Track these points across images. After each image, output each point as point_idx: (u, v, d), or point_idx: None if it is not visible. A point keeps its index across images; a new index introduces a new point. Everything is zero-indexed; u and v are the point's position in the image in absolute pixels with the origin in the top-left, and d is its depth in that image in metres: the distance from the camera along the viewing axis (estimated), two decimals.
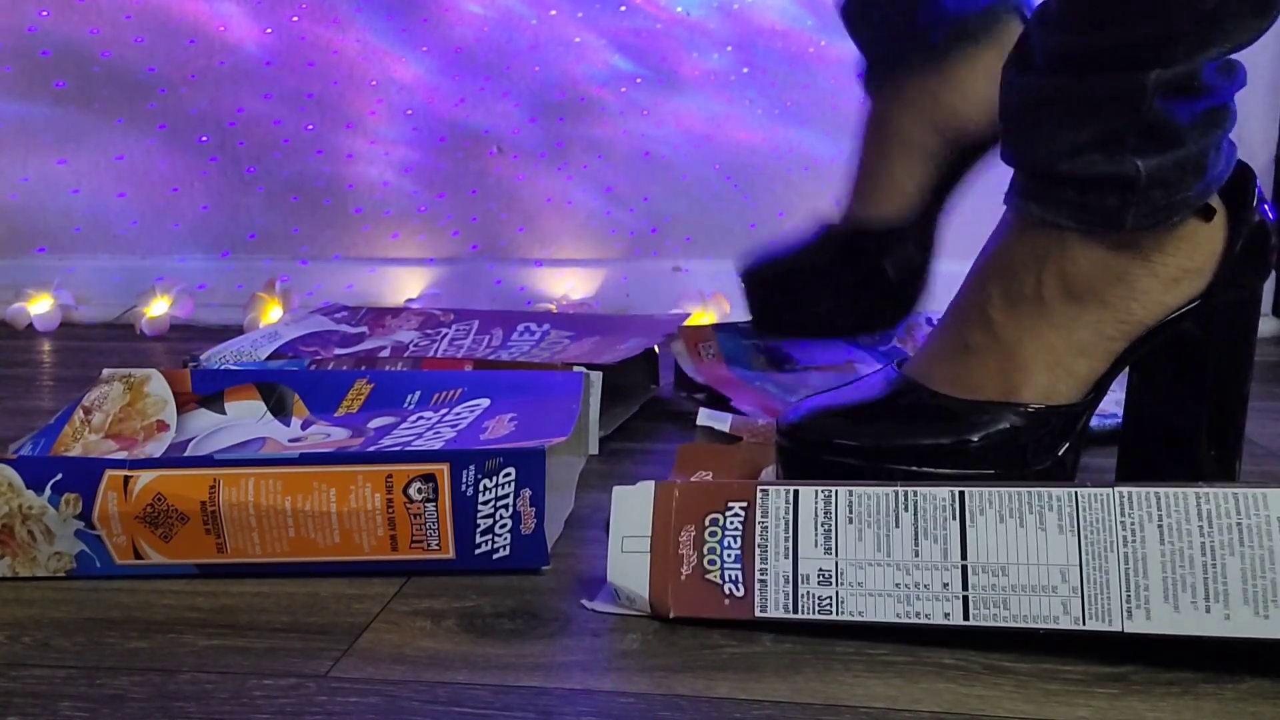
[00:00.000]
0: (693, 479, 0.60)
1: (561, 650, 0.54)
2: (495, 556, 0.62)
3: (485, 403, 0.74)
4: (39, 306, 1.41)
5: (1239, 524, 0.49)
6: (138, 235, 1.46)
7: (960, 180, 0.88)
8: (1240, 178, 0.68)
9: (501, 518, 0.62)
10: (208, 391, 0.77)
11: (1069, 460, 0.65)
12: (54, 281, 1.42)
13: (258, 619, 0.57)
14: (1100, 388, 0.66)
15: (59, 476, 0.62)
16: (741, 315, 1.32)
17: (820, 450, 0.64)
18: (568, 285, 1.39)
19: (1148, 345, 0.66)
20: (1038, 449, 0.64)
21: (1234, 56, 0.65)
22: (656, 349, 0.95)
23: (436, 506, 0.61)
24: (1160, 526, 0.50)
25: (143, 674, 0.52)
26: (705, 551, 0.55)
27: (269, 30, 1.40)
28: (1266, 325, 1.33)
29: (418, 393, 0.77)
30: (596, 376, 0.84)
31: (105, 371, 0.79)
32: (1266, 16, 0.62)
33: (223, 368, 0.89)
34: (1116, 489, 0.51)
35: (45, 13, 1.42)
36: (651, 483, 0.57)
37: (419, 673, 0.52)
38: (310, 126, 1.41)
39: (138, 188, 1.45)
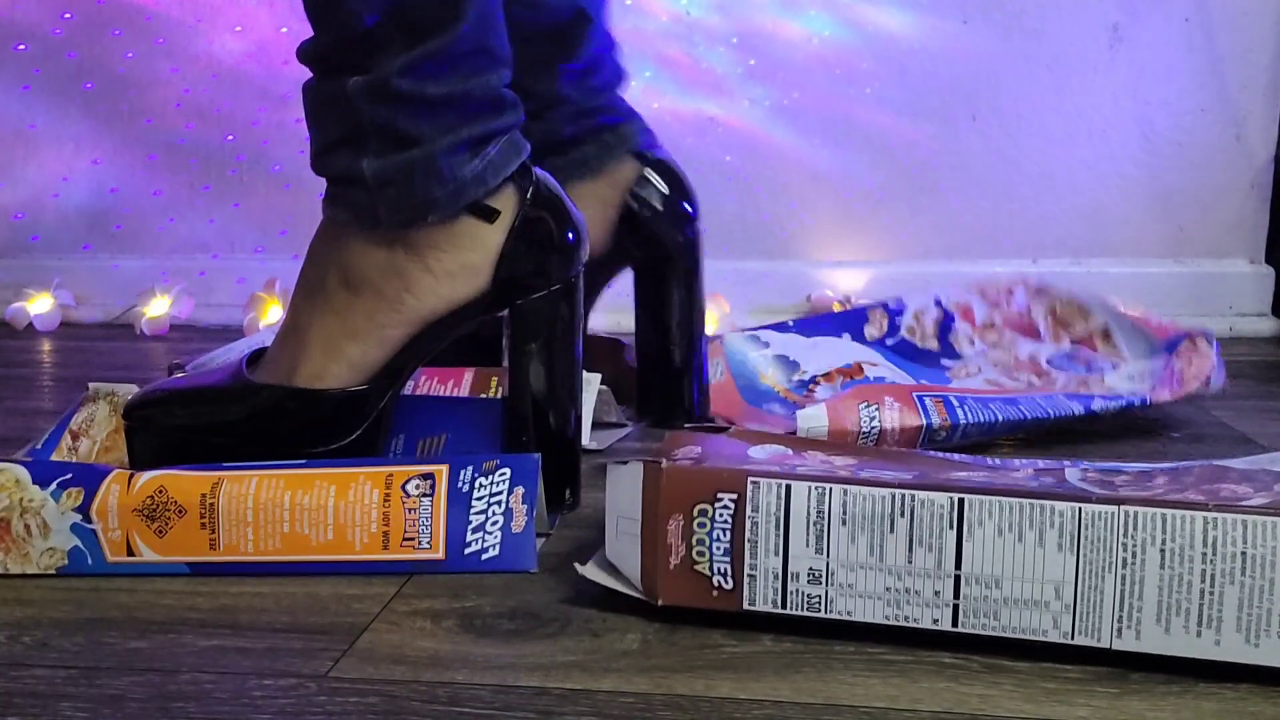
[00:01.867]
0: (679, 451, 0.59)
1: (561, 650, 0.54)
2: (484, 557, 0.62)
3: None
4: (39, 306, 1.41)
5: (1243, 553, 0.49)
6: (176, 232, 1.47)
7: (587, 290, 0.92)
8: (527, 179, 0.71)
9: (494, 514, 0.62)
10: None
11: (371, 438, 0.70)
12: (54, 281, 1.42)
13: (258, 619, 0.57)
14: (392, 376, 0.70)
15: (67, 476, 0.63)
16: (742, 314, 1.32)
17: (154, 428, 0.70)
18: None
19: (443, 338, 0.70)
20: (322, 428, 0.69)
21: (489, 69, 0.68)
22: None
23: (432, 501, 0.62)
24: (1163, 551, 0.49)
25: (143, 674, 0.52)
26: (694, 543, 0.55)
27: (284, 30, 1.40)
28: (1266, 325, 1.33)
29: (402, 437, 0.76)
30: (594, 378, 0.84)
31: (91, 387, 0.78)
32: (435, 30, 0.65)
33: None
34: (1123, 508, 0.50)
35: (69, 14, 1.43)
36: (640, 464, 0.56)
37: (419, 673, 0.52)
38: None
39: (171, 186, 1.46)
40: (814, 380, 0.98)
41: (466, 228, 0.69)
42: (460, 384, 0.88)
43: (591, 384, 0.84)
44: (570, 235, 0.70)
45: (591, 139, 0.90)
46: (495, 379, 0.87)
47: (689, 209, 0.91)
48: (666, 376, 0.92)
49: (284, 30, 1.40)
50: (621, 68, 0.92)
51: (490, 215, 0.69)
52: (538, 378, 0.70)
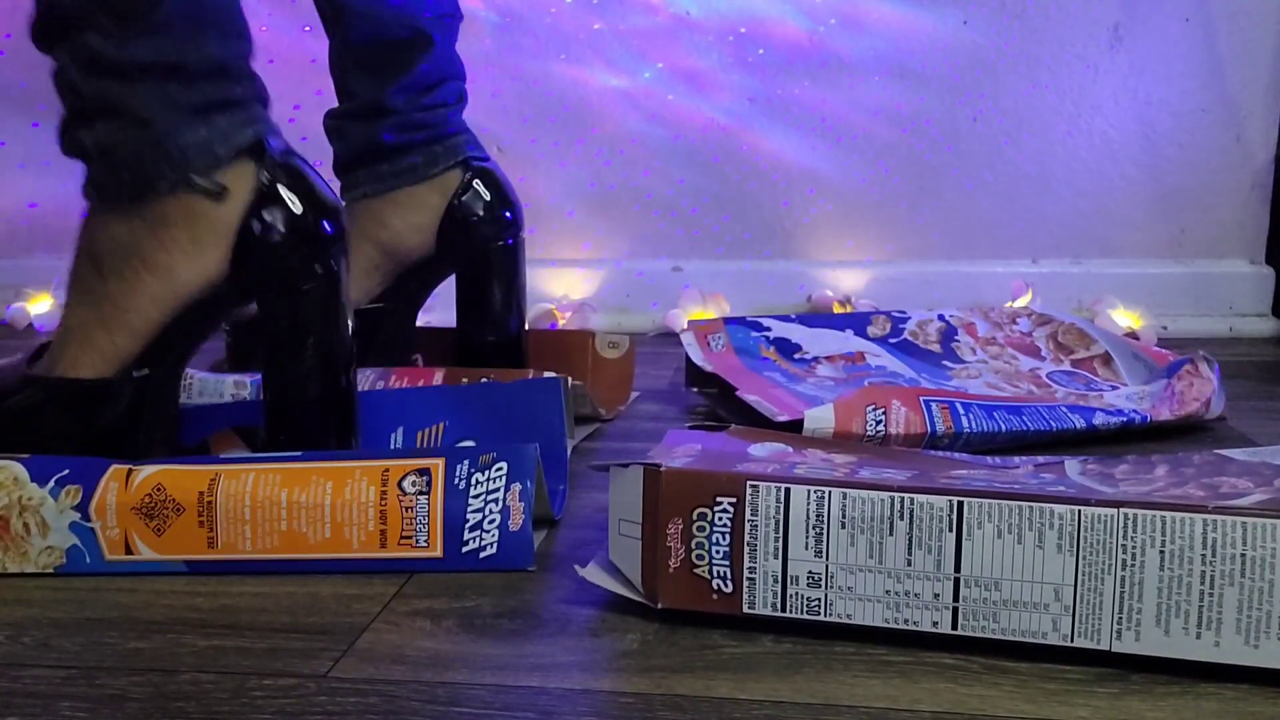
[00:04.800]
0: (679, 450, 0.59)
1: (561, 650, 0.54)
2: (482, 555, 0.62)
3: (470, 445, 0.74)
4: (39, 306, 1.41)
5: (1243, 555, 0.48)
6: None
7: (416, 289, 1.00)
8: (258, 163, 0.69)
9: (491, 513, 0.62)
10: (191, 442, 0.76)
11: (142, 436, 0.70)
12: (54, 281, 1.42)
13: (258, 619, 0.57)
14: (152, 363, 0.69)
15: (65, 472, 0.63)
16: (742, 314, 1.32)
17: None
18: (568, 285, 1.39)
19: (194, 329, 0.70)
20: (82, 420, 0.68)
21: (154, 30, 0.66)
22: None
23: (429, 500, 0.62)
24: (1162, 552, 0.49)
25: (143, 674, 0.52)
26: (693, 546, 0.55)
27: (307, 29, 1.40)
28: (1266, 325, 1.33)
29: (400, 430, 0.76)
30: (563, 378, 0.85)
31: None
32: (122, 3, 0.65)
33: (196, 404, 0.84)
34: (1122, 510, 0.50)
35: None
36: (641, 467, 0.56)
37: (419, 673, 0.52)
38: None
39: None
40: (815, 360, 0.98)
41: (198, 205, 0.68)
42: (430, 384, 0.88)
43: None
44: (317, 220, 0.69)
45: (419, 148, 0.95)
46: (465, 379, 0.87)
47: (510, 215, 0.97)
48: (487, 359, 0.97)
49: (307, 29, 1.40)
50: (463, 93, 0.98)
51: (216, 190, 0.68)
52: (293, 377, 0.70)
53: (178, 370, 0.71)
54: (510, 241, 0.97)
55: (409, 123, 0.95)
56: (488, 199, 0.96)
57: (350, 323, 0.72)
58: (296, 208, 0.69)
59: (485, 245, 0.96)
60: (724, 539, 0.54)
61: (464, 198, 0.96)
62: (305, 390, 0.70)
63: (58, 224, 1.47)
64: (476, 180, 0.96)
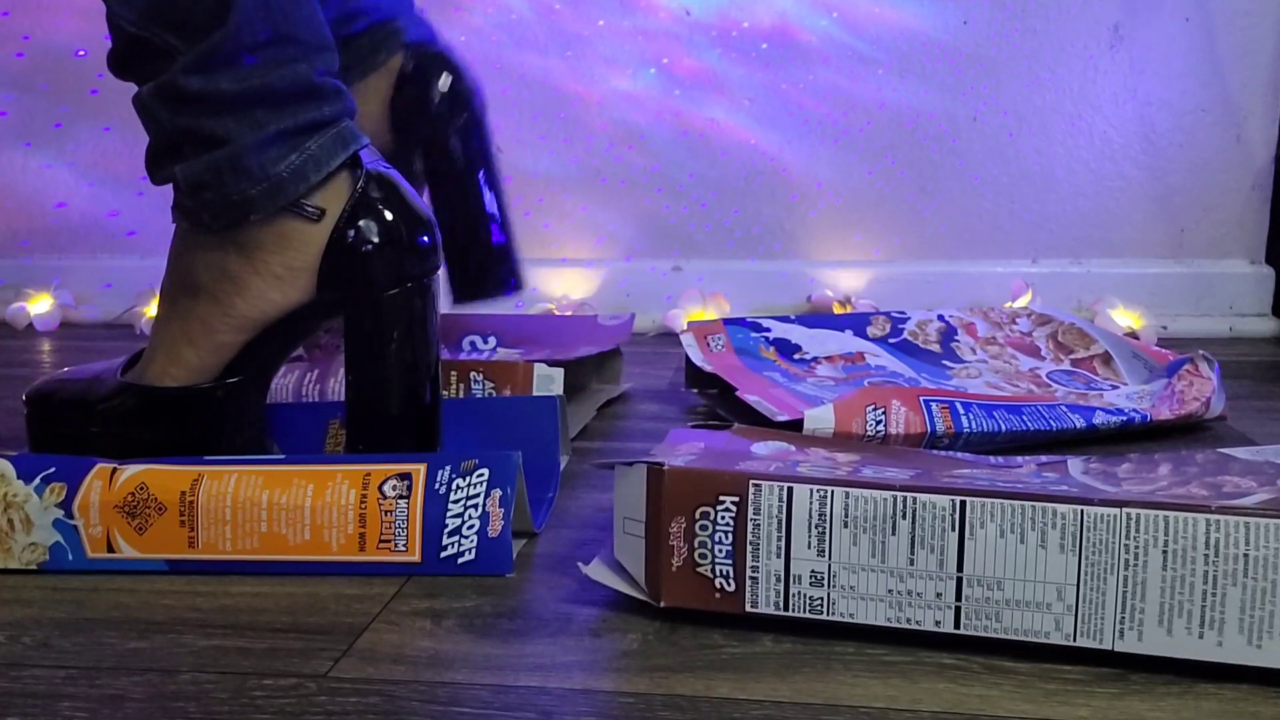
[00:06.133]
0: (682, 449, 0.59)
1: (561, 650, 0.54)
2: (460, 560, 0.62)
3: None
4: (39, 306, 1.41)
5: (1245, 554, 0.48)
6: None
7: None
8: (351, 179, 0.69)
9: (470, 518, 0.62)
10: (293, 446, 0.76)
11: (215, 436, 0.71)
12: (53, 282, 1.42)
13: (258, 619, 0.57)
14: (234, 372, 0.70)
15: (51, 470, 0.63)
16: (742, 314, 1.32)
17: (40, 415, 0.74)
18: (568, 285, 1.39)
19: (283, 345, 0.71)
20: (169, 424, 0.71)
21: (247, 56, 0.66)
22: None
23: (408, 504, 0.62)
24: (1165, 552, 0.49)
25: (143, 674, 0.52)
26: (695, 545, 0.55)
27: None
28: (1266, 325, 1.33)
29: None
30: (558, 374, 0.85)
31: None
32: (206, 26, 0.65)
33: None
34: (1125, 510, 0.50)
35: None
36: (644, 466, 0.56)
37: (419, 673, 0.52)
38: None
39: None
40: (815, 360, 0.98)
41: (292, 228, 0.68)
42: None
43: (555, 380, 0.85)
44: (407, 232, 0.69)
45: (364, 35, 0.89)
46: (454, 372, 0.87)
47: (462, 92, 0.91)
48: (474, 253, 0.93)
49: None
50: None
51: (313, 215, 0.68)
52: (375, 387, 0.70)
53: (263, 379, 0.72)
54: (471, 120, 0.91)
55: (346, 14, 0.89)
56: (435, 78, 0.90)
57: (437, 336, 0.71)
58: (387, 219, 0.69)
59: (438, 125, 0.90)
60: (727, 538, 0.54)
61: (410, 80, 0.90)
62: (388, 401, 0.70)
63: (82, 224, 1.47)
64: (416, 61, 0.90)
